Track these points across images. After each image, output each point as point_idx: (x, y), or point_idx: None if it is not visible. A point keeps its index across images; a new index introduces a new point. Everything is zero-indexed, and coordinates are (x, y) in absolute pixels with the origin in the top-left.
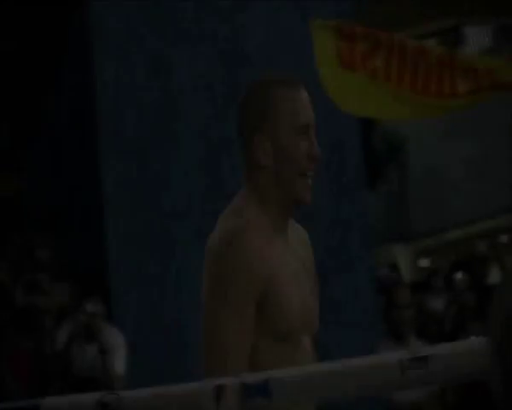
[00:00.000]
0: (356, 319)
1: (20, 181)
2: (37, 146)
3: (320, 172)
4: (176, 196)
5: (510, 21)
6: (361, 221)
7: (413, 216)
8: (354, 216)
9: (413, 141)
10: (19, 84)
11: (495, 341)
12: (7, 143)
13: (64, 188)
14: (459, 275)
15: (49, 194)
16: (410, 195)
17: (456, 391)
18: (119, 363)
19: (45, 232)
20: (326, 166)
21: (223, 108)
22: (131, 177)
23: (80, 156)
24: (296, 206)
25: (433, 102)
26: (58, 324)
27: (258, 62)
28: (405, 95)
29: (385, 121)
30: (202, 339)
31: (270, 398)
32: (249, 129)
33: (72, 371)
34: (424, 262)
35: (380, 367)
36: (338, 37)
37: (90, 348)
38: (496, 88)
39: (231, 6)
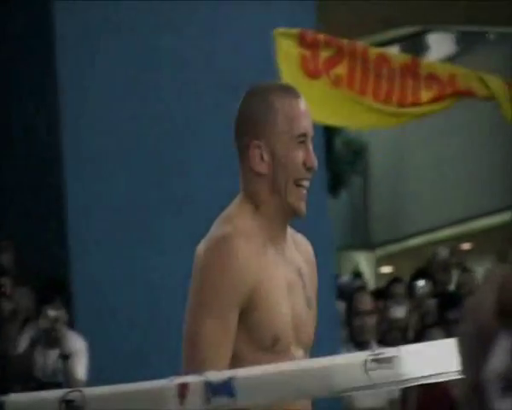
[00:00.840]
0: (317, 326)
1: None
2: None
3: None
4: (136, 200)
5: (472, 28)
6: (322, 228)
7: (375, 223)
8: (316, 223)
9: (375, 148)
10: None
11: (464, 349)
12: None
13: (24, 191)
14: (420, 282)
15: (9, 197)
16: (372, 201)
17: (417, 397)
18: (81, 368)
19: (6, 236)
20: None
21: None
22: (93, 180)
23: (40, 159)
24: (292, 216)
25: (396, 109)
26: (21, 328)
27: (223, 71)
28: (368, 103)
29: (347, 128)
30: (183, 342)
31: (234, 396)
32: (247, 136)
33: (34, 375)
34: (386, 269)
35: (344, 367)
36: (300, 45)
37: (52, 353)
38: (458, 95)
39: (190, 16)
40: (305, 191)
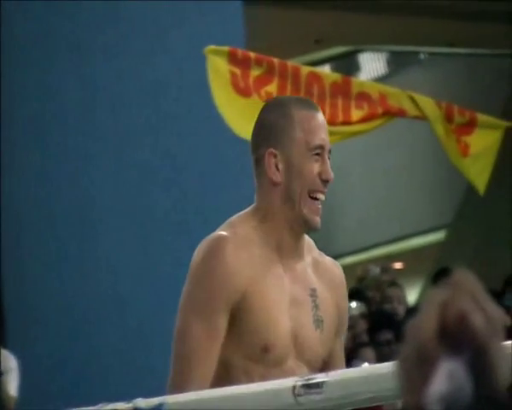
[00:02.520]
0: None
1: None
2: None
3: (216, 195)
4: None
5: (403, 48)
6: None
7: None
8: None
9: None
10: None
11: (404, 372)
12: None
13: None
14: (352, 303)
15: None
16: None
17: None
18: (13, 385)
19: None
20: (222, 188)
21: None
22: (28, 192)
23: None
24: (306, 230)
25: (327, 128)
26: None
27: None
28: None
29: None
30: (172, 341)
31: None
32: (263, 146)
33: None
34: None
35: (273, 393)
36: (231, 62)
37: None
38: (389, 114)
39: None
40: (319, 205)
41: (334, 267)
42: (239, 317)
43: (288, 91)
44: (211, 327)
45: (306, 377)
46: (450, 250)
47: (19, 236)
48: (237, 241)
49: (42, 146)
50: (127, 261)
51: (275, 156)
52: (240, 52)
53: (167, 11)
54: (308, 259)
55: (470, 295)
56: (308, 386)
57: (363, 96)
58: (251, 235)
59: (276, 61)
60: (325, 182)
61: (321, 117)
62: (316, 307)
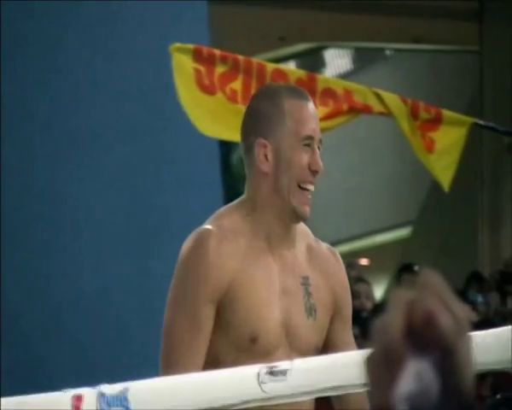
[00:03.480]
0: None
1: None
2: None
3: (177, 192)
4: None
5: (368, 45)
6: None
7: None
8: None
9: None
10: None
11: (371, 371)
12: None
13: None
14: None
15: None
16: None
17: None
18: None
19: None
20: (182, 186)
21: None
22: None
23: None
24: (296, 220)
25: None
26: None
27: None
28: None
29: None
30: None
31: (129, 409)
32: (253, 135)
33: None
34: None
35: (237, 380)
36: (196, 60)
37: None
38: (355, 111)
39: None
40: (309, 195)
41: (330, 253)
42: (226, 309)
43: (253, 88)
44: (195, 320)
45: (271, 365)
46: (414, 247)
47: None
48: (221, 234)
49: (23, 142)
50: (111, 257)
51: (264, 146)
52: (205, 50)
53: (131, 10)
54: (301, 247)
55: (437, 294)
56: (272, 373)
57: (328, 93)
58: (239, 225)
59: (241, 58)
60: (314, 172)
61: (311, 107)
62: (308, 294)
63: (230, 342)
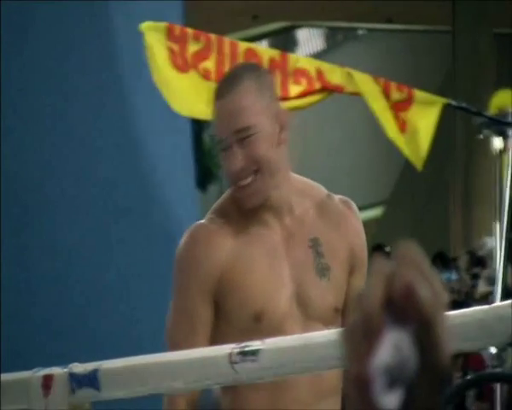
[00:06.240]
0: None
1: None
2: None
3: (149, 174)
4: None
5: (341, 24)
6: (191, 223)
7: None
8: (184, 218)
9: None
10: None
11: (350, 341)
12: None
13: None
14: None
15: None
16: None
17: None
18: None
19: None
20: (155, 167)
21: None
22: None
23: None
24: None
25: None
26: None
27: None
28: None
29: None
30: None
31: (99, 388)
32: None
33: None
34: None
35: (209, 360)
36: (169, 38)
37: None
38: (327, 90)
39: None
40: (247, 189)
41: (343, 206)
42: (226, 296)
43: (226, 67)
44: (193, 312)
45: (242, 345)
46: (386, 227)
47: None
48: (211, 226)
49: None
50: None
51: None
52: (177, 28)
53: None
54: (308, 207)
55: (416, 266)
56: (244, 353)
57: (300, 72)
58: (232, 212)
59: (213, 36)
60: (231, 175)
61: (221, 105)
62: (319, 255)
63: (234, 327)
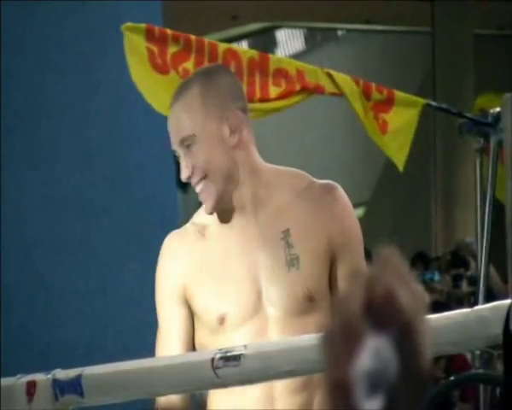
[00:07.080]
0: None
1: None
2: None
3: (131, 174)
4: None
5: (320, 25)
6: (173, 223)
7: None
8: (166, 218)
9: None
10: None
11: (329, 346)
12: None
13: None
14: None
15: None
16: None
17: None
18: None
19: None
20: (137, 166)
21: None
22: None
23: None
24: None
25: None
26: None
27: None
28: None
29: None
30: None
31: (82, 394)
32: None
33: None
34: None
35: (192, 365)
36: (148, 40)
37: None
38: (307, 91)
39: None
40: (203, 194)
41: (323, 192)
42: (191, 301)
43: None
44: (169, 317)
45: (225, 350)
46: (368, 227)
47: None
48: (180, 236)
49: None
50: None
51: None
52: (157, 29)
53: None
54: (285, 197)
55: (396, 271)
56: (226, 358)
57: (280, 73)
58: (207, 217)
59: (193, 37)
60: (191, 182)
61: (170, 116)
62: (289, 246)
63: (207, 330)
